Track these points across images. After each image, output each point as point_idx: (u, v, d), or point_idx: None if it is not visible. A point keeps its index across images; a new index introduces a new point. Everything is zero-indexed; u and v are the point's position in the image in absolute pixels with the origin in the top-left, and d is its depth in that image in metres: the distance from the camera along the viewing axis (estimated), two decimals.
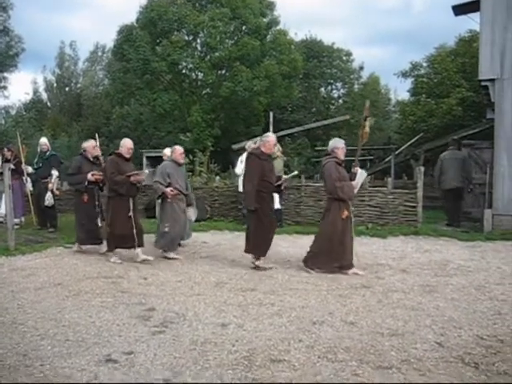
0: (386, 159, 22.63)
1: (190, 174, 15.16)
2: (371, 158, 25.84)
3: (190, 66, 26.50)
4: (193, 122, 24.87)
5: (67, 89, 40.40)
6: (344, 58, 35.46)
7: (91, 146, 9.37)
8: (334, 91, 36.18)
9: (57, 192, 12.01)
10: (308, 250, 7.81)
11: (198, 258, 8.84)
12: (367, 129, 7.89)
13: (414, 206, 12.13)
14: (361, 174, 7.76)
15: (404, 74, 28.44)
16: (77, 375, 3.89)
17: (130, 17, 46.37)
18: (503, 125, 12.07)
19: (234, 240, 10.80)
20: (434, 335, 4.77)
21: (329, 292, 6.37)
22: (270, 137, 8.16)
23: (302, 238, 11.07)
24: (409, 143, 21.70)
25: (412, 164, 19.66)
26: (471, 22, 16.08)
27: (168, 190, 8.65)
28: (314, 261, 7.63)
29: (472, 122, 20.45)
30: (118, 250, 8.41)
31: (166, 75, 26.66)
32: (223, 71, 26.90)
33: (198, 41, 26.73)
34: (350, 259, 7.53)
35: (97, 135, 11.53)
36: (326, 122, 24.75)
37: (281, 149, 13.37)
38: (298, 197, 13.35)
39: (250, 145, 12.55)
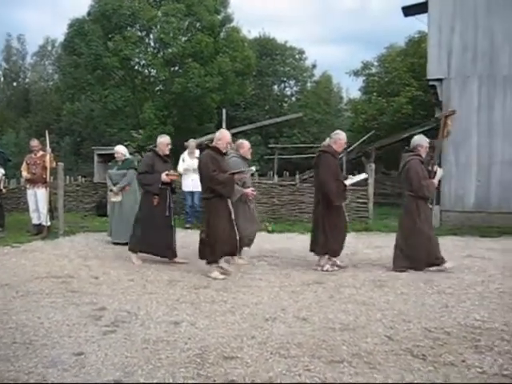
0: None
1: None
2: None
3: (143, 62, 26.16)
4: (145, 119, 24.56)
5: (15, 83, 39.29)
6: (297, 56, 35.72)
7: (165, 142, 8.21)
8: (287, 89, 36.43)
9: (4, 190, 11.67)
10: (399, 252, 7.56)
11: (150, 256, 8.73)
12: (449, 128, 7.97)
13: (365, 203, 12.35)
14: (440, 173, 7.81)
15: (355, 73, 28.85)
16: (23, 378, 3.79)
17: (83, 10, 45.41)
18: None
19: (186, 238, 10.72)
20: (384, 329, 4.86)
21: (281, 288, 6.42)
22: (342, 134, 7.78)
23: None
24: (360, 141, 22.02)
25: (363, 161, 19.96)
26: (421, 23, 16.46)
27: (249, 191, 7.89)
28: (411, 261, 7.46)
29: (421, 120, 20.91)
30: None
31: (118, 71, 26.21)
32: (176, 68, 26.66)
33: (152, 36, 26.40)
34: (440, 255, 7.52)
35: (47, 132, 11.27)
36: (278, 120, 24.85)
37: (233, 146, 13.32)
38: None
39: (190, 143, 12.52)
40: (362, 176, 8.26)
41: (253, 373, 3.86)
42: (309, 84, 36.65)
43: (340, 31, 72.36)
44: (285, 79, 35.54)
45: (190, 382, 3.72)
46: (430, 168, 7.66)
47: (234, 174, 7.25)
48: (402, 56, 25.77)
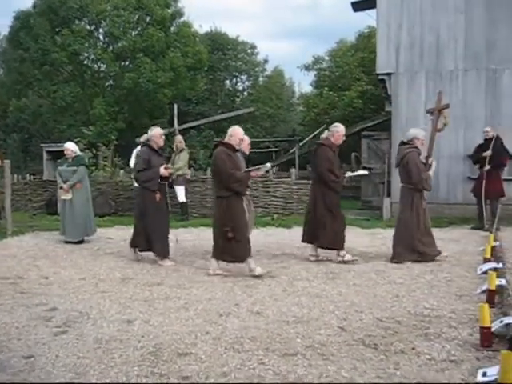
0: (291, 151, 23.09)
1: (94, 168, 14.75)
2: (276, 149, 26.27)
3: (92, 56, 25.66)
4: (96, 115, 24.11)
5: None
6: (249, 51, 35.70)
7: (158, 134, 7.95)
8: (239, 84, 36.37)
9: None
10: (394, 245, 7.73)
11: (102, 254, 8.63)
12: (447, 120, 8.01)
13: None
14: (434, 165, 7.92)
15: (307, 68, 29.10)
16: None
17: (28, 2, 44.07)
18: (399, 117, 12.69)
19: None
20: (337, 320, 4.93)
21: (235, 283, 6.43)
22: (340, 127, 7.87)
23: (207, 230, 11.05)
24: (312, 135, 22.25)
25: None
26: (371, 19, 16.73)
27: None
28: (406, 254, 7.58)
29: (372, 114, 21.31)
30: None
31: (66, 66, 25.64)
32: (127, 62, 26.27)
33: (101, 30, 25.93)
34: (436, 248, 7.68)
35: None
36: (231, 114, 24.85)
37: (182, 141, 13.27)
38: (204, 189, 13.36)
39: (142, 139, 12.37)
40: (361, 172, 8.33)
41: (207, 368, 3.86)
42: (261, 79, 36.71)
43: (291, 26, 72.73)
44: (237, 74, 35.47)
45: (143, 380, 3.69)
46: (424, 161, 7.80)
47: (249, 171, 7.17)
48: (352, 51, 26.16)
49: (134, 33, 25.34)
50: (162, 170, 7.72)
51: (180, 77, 25.27)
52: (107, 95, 25.69)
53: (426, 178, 7.57)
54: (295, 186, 12.77)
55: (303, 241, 8.04)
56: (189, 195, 12.87)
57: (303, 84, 55.42)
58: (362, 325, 4.80)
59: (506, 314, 4.71)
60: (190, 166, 14.10)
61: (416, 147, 7.70)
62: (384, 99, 15.93)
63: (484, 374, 3.54)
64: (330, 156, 7.66)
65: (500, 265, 6.69)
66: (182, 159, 12.85)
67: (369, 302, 5.52)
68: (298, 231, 10.70)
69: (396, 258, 7.61)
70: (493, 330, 4.23)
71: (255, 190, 13.00)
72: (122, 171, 15.45)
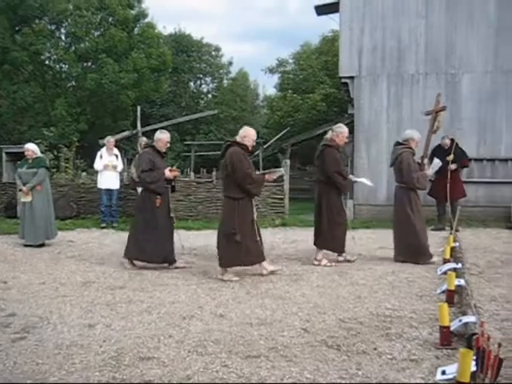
0: (255, 153, 23.12)
1: (55, 170, 14.50)
2: None
3: (54, 56, 25.20)
4: (57, 116, 23.67)
5: None
6: (213, 53, 35.64)
7: (165, 139, 7.65)
8: (204, 86, 36.30)
9: None
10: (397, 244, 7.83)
11: (63, 257, 8.48)
12: (440, 123, 8.12)
13: (281, 198, 12.53)
14: (437, 164, 8.09)
15: (271, 70, 29.20)
16: None
17: None
18: (361, 119, 12.85)
19: (101, 238, 10.50)
20: (300, 322, 4.96)
21: (199, 286, 6.40)
22: (344, 128, 7.91)
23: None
24: (276, 137, 22.34)
25: (279, 157, 20.26)
26: (334, 22, 16.89)
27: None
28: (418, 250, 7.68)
29: (335, 116, 21.50)
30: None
31: (27, 66, 25.10)
32: (89, 63, 25.89)
33: (63, 30, 25.49)
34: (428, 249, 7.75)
35: None
36: (195, 116, 24.76)
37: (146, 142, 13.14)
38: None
39: (108, 139, 12.29)
40: (368, 182, 8.41)
41: (170, 372, 3.82)
42: (225, 81, 36.69)
43: (257, 28, 72.95)
44: (201, 76, 35.38)
45: None
46: (419, 161, 7.93)
47: (264, 174, 7.14)
48: (316, 54, 26.36)
49: (96, 33, 25.00)
50: (168, 173, 7.51)
51: (143, 78, 25.03)
52: (69, 96, 25.26)
53: (417, 178, 7.68)
54: None
55: (315, 244, 7.92)
56: None
57: (267, 86, 55.65)
58: (325, 326, 4.83)
59: (464, 313, 4.81)
60: None
61: (410, 147, 7.83)
62: (347, 102, 16.10)
63: (443, 372, 3.61)
64: (338, 157, 7.71)
65: (459, 265, 6.83)
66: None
67: (332, 304, 5.57)
68: (262, 233, 10.76)
69: (400, 255, 7.75)
70: (452, 329, 4.31)
71: (219, 191, 12.96)
72: (84, 173, 15.20)
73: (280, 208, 12.55)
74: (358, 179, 8.41)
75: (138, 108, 18.97)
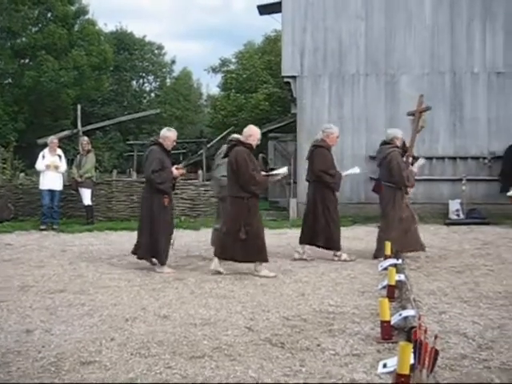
0: (199, 152, 23.04)
1: None
2: (184, 151, 26.11)
3: None
4: None
5: None
6: (156, 51, 35.26)
7: (173, 138, 7.52)
8: (146, 85, 35.87)
9: None
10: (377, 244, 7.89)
11: (0, 261, 8.18)
12: (424, 123, 8.25)
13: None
14: (421, 162, 8.30)
15: (214, 70, 29.14)
16: None
17: None
18: (304, 119, 12.99)
19: (41, 240, 10.20)
20: (244, 320, 4.95)
21: (142, 287, 6.31)
22: (334, 128, 8.05)
23: (113, 234, 10.86)
24: (220, 137, 22.29)
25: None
26: (277, 22, 17.00)
27: None
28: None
29: (278, 116, 21.67)
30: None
31: None
32: (27, 60, 25.12)
33: None
34: (421, 244, 7.81)
35: None
36: (137, 116, 24.46)
37: (89, 143, 12.89)
38: (109, 192, 13.03)
39: (51, 139, 12.01)
40: (357, 170, 8.50)
41: (112, 376, 3.74)
42: (168, 80, 36.38)
43: (200, 27, 72.60)
44: (143, 75, 34.95)
45: None
46: (404, 159, 8.01)
47: (268, 175, 7.17)
48: (259, 54, 26.47)
49: (34, 29, 24.28)
50: (175, 171, 7.42)
51: (84, 76, 24.51)
52: (6, 94, 24.42)
53: (407, 176, 7.84)
54: (202, 187, 12.76)
55: (301, 242, 8.05)
56: (94, 198, 12.51)
57: (211, 86, 55.53)
58: (269, 324, 4.85)
59: (404, 308, 4.93)
60: (95, 169, 13.70)
61: (397, 146, 7.98)
62: (290, 102, 16.26)
63: (384, 366, 3.68)
64: (327, 157, 7.85)
65: (399, 261, 6.99)
66: (90, 161, 12.50)
67: (275, 302, 5.59)
68: (205, 233, 10.73)
69: (377, 253, 7.83)
70: (392, 323, 4.41)
71: None
72: (22, 174, 14.75)
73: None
74: (348, 172, 8.49)
75: (79, 107, 18.59)
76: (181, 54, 53.51)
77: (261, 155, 16.18)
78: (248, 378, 3.65)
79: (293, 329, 4.69)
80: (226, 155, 7.09)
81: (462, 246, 8.35)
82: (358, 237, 10.06)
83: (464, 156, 12.50)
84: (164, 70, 35.83)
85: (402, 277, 5.97)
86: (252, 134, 7.01)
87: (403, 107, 12.75)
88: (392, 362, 3.56)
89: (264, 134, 17.80)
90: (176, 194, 12.62)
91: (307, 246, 8.06)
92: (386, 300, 4.49)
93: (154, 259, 7.42)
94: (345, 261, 7.79)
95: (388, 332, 4.33)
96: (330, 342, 4.34)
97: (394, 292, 5.61)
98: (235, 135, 7.81)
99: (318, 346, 4.25)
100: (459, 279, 6.50)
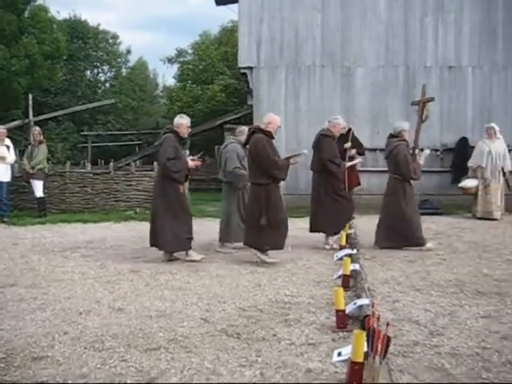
0: (155, 144, 22.79)
1: None
2: (139, 142, 25.81)
3: None
4: None
5: None
6: (110, 40, 34.64)
7: (186, 124, 7.36)
8: (101, 74, 35.24)
9: None
10: (382, 231, 7.95)
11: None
12: (428, 113, 8.25)
13: None
14: (426, 153, 8.34)
15: (170, 60, 28.83)
16: None
17: None
18: (260, 110, 12.97)
19: None
20: (200, 312, 4.93)
21: (96, 280, 6.20)
22: (340, 119, 8.20)
23: (67, 227, 10.65)
24: None
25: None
26: (234, 13, 16.94)
27: None
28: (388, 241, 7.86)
29: (234, 107, 21.62)
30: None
31: None
32: None
33: None
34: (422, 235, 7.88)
35: None
36: (91, 106, 24.00)
37: (41, 133, 12.55)
38: (63, 184, 12.76)
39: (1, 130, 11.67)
40: (357, 160, 8.78)
41: (65, 371, 3.67)
42: (124, 70, 35.83)
43: (156, 17, 71.72)
44: (98, 64, 34.31)
45: None
46: (411, 152, 8.04)
47: (288, 158, 7.13)
48: (216, 44, 26.32)
49: None
50: (191, 163, 7.34)
51: (36, 65, 23.83)
52: None
53: (414, 169, 7.92)
54: None
55: (311, 230, 8.19)
56: (46, 190, 12.22)
57: (167, 77, 54.91)
58: (225, 315, 4.84)
59: (359, 297, 5.00)
60: (47, 160, 13.38)
61: (405, 140, 8.03)
62: (246, 93, 16.23)
63: (339, 354, 3.72)
64: (333, 147, 8.01)
65: (354, 251, 7.09)
66: (42, 152, 12.18)
67: (231, 292, 5.59)
68: None
69: (380, 245, 7.91)
70: (347, 312, 4.47)
71: (116, 183, 12.67)
72: None
73: None
74: (351, 162, 8.64)
75: (30, 96, 18.09)
76: (136, 43, 52.88)
77: (217, 147, 16.14)
78: (204, 370, 3.64)
79: (249, 319, 4.70)
80: (245, 143, 7.15)
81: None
82: None
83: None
84: (119, 59, 35.28)
85: (356, 266, 6.06)
86: (271, 121, 7.05)
87: (359, 99, 12.98)
88: (347, 351, 3.61)
89: (220, 126, 17.82)
90: (130, 185, 12.50)
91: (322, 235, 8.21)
92: (341, 289, 4.54)
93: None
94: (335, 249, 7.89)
95: (343, 321, 4.38)
96: (285, 331, 4.36)
97: (349, 281, 5.68)
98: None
99: (274, 336, 4.27)
100: (412, 268, 6.63)
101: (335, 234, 8.09)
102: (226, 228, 8.10)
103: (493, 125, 11.49)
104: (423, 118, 8.42)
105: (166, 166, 7.07)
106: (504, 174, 11.36)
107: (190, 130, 7.59)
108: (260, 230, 6.79)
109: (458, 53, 13.08)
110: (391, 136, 8.25)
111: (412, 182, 8.07)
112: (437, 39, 13.10)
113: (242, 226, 7.66)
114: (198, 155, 8.00)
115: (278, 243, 6.97)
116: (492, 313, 4.77)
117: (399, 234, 7.83)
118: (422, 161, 8.27)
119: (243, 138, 7.96)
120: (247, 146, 7.20)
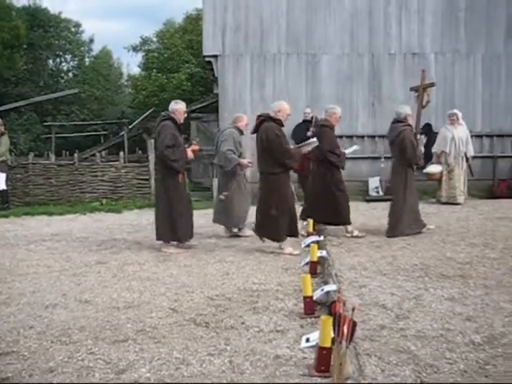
0: (120, 134, 22.52)
1: None
2: (105, 132, 25.45)
3: None
4: None
5: None
6: (73, 29, 33.91)
7: (182, 110, 7.25)
8: (64, 64, 34.47)
9: None
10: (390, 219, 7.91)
11: None
12: (429, 98, 8.31)
13: (146, 179, 12.34)
14: (423, 140, 8.27)
15: (134, 49, 28.47)
16: None
17: None
18: (226, 99, 12.93)
19: None
20: (168, 302, 4.92)
21: (62, 273, 6.12)
22: (337, 108, 8.12)
23: (31, 219, 10.48)
24: (142, 117, 21.91)
25: (145, 138, 19.90)
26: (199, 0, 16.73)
27: (245, 161, 7.98)
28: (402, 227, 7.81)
29: (200, 96, 21.48)
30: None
31: None
32: None
33: None
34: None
35: None
36: (54, 96, 23.56)
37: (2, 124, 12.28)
38: (26, 176, 12.54)
39: None
40: (356, 147, 8.71)
41: (31, 366, 3.62)
42: (87, 59, 35.15)
43: (119, 5, 70.50)
44: (60, 53, 33.55)
45: None
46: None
47: (300, 147, 7.18)
48: (180, 33, 26.06)
49: None
50: (190, 154, 7.28)
51: None
52: None
53: (419, 155, 8.03)
54: (124, 169, 12.51)
55: (301, 218, 8.03)
56: (9, 182, 11.99)
57: (132, 65, 54.17)
58: (193, 304, 4.84)
59: (326, 283, 5.06)
60: (10, 152, 13.11)
61: (409, 125, 8.02)
62: (212, 82, 16.12)
63: (307, 340, 3.77)
64: (333, 137, 7.98)
65: (321, 238, 7.14)
66: (4, 144, 11.94)
67: (200, 282, 5.58)
68: (128, 215, 10.59)
69: (395, 232, 7.81)
70: (315, 298, 4.51)
71: (81, 174, 12.49)
72: None
73: (146, 189, 12.33)
74: (351, 149, 8.57)
75: None
76: (100, 32, 51.79)
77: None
78: (173, 360, 3.64)
79: (217, 308, 4.70)
80: (255, 131, 7.05)
81: (380, 221, 8.59)
82: None
83: (382, 134, 12.74)
84: (82, 48, 34.54)
85: (324, 253, 6.11)
86: (281, 109, 6.97)
87: (324, 87, 13.02)
88: (314, 336, 3.65)
89: (186, 115, 17.67)
90: (96, 176, 12.35)
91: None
92: (309, 276, 4.58)
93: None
94: (357, 237, 7.84)
95: (311, 307, 4.42)
96: (254, 319, 4.39)
97: (317, 268, 5.73)
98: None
99: (243, 323, 4.29)
100: (378, 253, 6.72)
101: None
102: (224, 214, 8.16)
103: (455, 111, 11.66)
104: (423, 103, 8.51)
105: (165, 155, 6.96)
106: (467, 160, 11.56)
107: (185, 114, 7.50)
108: (274, 220, 6.80)
109: (421, 40, 13.21)
110: (395, 121, 8.23)
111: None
112: (400, 27, 13.20)
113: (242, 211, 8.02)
114: (195, 141, 8.02)
115: (294, 230, 6.99)
116: (456, 295, 4.88)
117: (399, 220, 7.89)
118: (421, 147, 8.50)
119: (240, 124, 8.18)
120: (257, 135, 7.07)
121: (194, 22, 25.36)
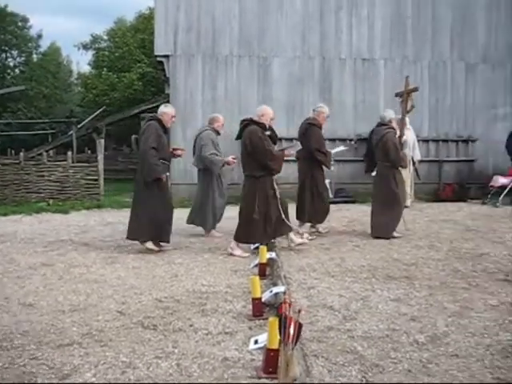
0: (69, 133, 22.05)
1: None
2: (53, 131, 24.89)
3: None
4: None
5: None
6: (20, 23, 33.00)
7: (171, 114, 7.18)
8: (10, 59, 33.52)
9: None
10: (379, 220, 7.94)
11: None
12: (413, 102, 8.46)
13: (95, 180, 12.12)
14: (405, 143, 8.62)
15: (85, 46, 27.95)
16: None
17: None
18: (177, 99, 12.84)
19: None
20: (115, 305, 4.84)
21: (4, 275, 5.93)
22: (325, 108, 8.28)
23: None
24: (91, 117, 21.52)
25: (94, 137, 19.57)
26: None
27: (230, 158, 8.05)
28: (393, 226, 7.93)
29: (152, 96, 21.25)
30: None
31: None
32: None
33: None
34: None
35: None
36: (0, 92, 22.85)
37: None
38: None
39: None
40: (342, 148, 8.72)
41: None
42: (35, 55, 34.28)
43: (69, 2, 69.04)
44: (6, 49, 32.61)
45: None
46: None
47: (283, 150, 7.26)
48: (132, 31, 25.74)
49: None
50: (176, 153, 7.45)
51: None
52: None
53: (402, 157, 8.10)
54: (72, 169, 12.26)
55: (298, 218, 8.19)
56: None
57: (82, 64, 53.07)
58: (141, 307, 4.77)
59: (275, 284, 5.08)
60: None
61: (393, 128, 8.13)
62: (164, 82, 15.99)
63: (256, 342, 3.78)
64: (320, 136, 8.08)
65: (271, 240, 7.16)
66: None
67: (148, 284, 5.52)
68: (76, 216, 10.37)
69: (383, 233, 7.89)
70: (263, 300, 4.52)
71: (28, 174, 12.16)
72: None
73: (95, 189, 12.12)
74: (337, 149, 8.68)
75: None
76: (48, 28, 50.59)
77: (133, 136, 15.87)
78: (119, 363, 3.58)
79: (165, 310, 4.66)
80: (239, 136, 7.03)
81: (329, 223, 8.70)
82: (233, 216, 10.13)
83: (332, 138, 12.97)
84: (30, 44, 33.67)
85: (273, 255, 6.14)
86: (264, 113, 7.02)
87: (275, 90, 13.09)
88: (263, 338, 3.66)
89: (137, 115, 17.49)
90: (42, 175, 12.06)
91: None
92: (257, 278, 4.59)
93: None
94: (320, 233, 8.24)
95: (259, 309, 4.43)
96: (202, 321, 4.36)
97: (266, 270, 5.75)
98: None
99: (191, 326, 4.26)
100: (327, 255, 6.80)
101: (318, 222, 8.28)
102: (200, 215, 8.23)
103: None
104: (408, 108, 8.67)
105: (147, 154, 6.91)
106: (414, 164, 11.84)
107: (174, 119, 7.46)
108: (255, 223, 6.74)
109: (371, 46, 13.47)
110: (380, 124, 8.40)
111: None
112: (351, 32, 13.42)
113: (218, 213, 8.20)
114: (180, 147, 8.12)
115: (265, 238, 6.85)
116: (401, 296, 4.99)
117: (392, 220, 7.99)
118: (404, 150, 8.62)
119: (217, 125, 8.27)
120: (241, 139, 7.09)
121: (146, 21, 25.08)
